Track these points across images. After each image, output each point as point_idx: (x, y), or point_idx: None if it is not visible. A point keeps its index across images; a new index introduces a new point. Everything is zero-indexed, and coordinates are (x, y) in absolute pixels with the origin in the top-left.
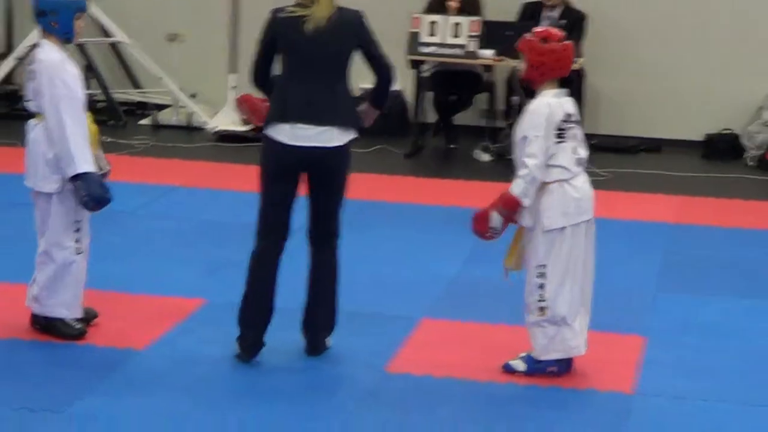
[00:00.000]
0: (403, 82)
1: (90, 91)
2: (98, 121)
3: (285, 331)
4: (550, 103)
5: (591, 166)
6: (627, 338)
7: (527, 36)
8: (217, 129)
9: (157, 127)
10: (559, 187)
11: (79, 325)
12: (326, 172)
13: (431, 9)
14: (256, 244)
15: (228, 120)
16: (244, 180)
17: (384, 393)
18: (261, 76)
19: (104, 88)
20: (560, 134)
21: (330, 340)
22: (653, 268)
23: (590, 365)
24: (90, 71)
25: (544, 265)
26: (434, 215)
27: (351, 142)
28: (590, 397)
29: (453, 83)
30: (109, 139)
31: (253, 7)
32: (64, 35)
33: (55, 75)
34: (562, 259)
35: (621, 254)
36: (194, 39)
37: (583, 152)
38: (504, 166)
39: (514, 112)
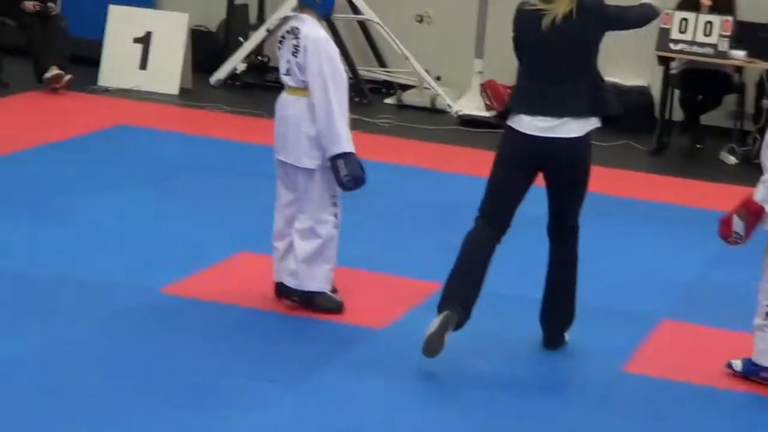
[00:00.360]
0: (651, 78)
1: None
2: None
3: (528, 321)
4: None
5: None
6: None
7: None
8: (460, 113)
9: (401, 106)
10: None
11: (339, 299)
12: (564, 164)
13: (683, 6)
14: (473, 226)
15: (472, 105)
16: (485, 165)
17: (618, 393)
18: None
19: (351, 65)
20: None
21: (568, 335)
22: None
23: None
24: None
25: None
26: (676, 215)
27: (591, 132)
28: None
29: (702, 82)
30: (353, 116)
31: None
32: (324, 11)
33: (324, 52)
34: None
35: None
36: (442, 21)
37: None
38: (750, 170)
39: (763, 116)
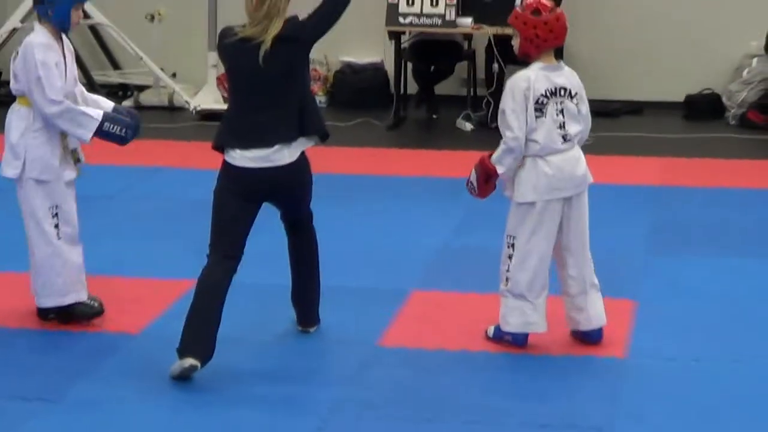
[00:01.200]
0: (383, 54)
1: None
2: None
3: (276, 306)
4: (530, 77)
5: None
6: (618, 302)
7: (518, 10)
8: (198, 108)
9: (139, 108)
10: (531, 162)
11: (97, 304)
12: (285, 190)
13: None
14: (206, 263)
15: (210, 98)
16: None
17: (375, 368)
18: None
19: (85, 71)
20: (539, 108)
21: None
22: (641, 231)
23: None
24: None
25: (513, 237)
26: (419, 186)
27: (303, 152)
28: (585, 362)
29: (433, 53)
30: None
31: None
32: (59, 24)
33: (33, 57)
34: (527, 233)
35: (608, 218)
36: (173, 18)
37: (574, 128)
38: (487, 135)
39: (494, 80)
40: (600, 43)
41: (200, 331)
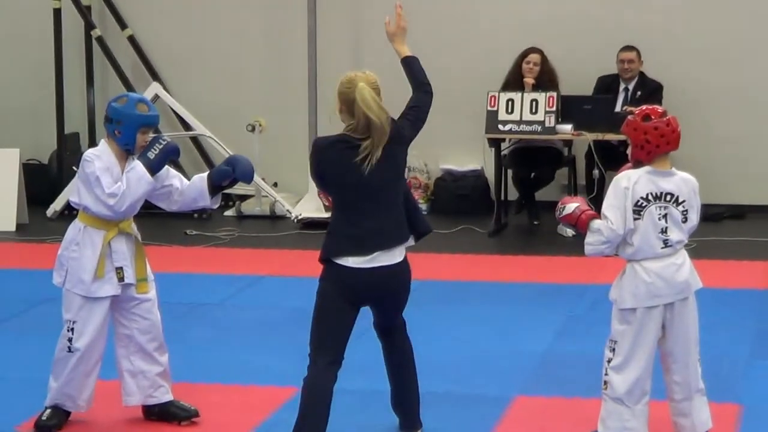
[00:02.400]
0: (483, 161)
1: None
2: (183, 215)
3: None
4: (631, 177)
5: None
6: (723, 407)
7: (629, 117)
8: (300, 217)
9: (242, 217)
10: (631, 268)
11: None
12: (392, 290)
13: (508, 86)
14: (311, 370)
15: (311, 207)
16: None
17: None
18: None
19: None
20: (637, 211)
21: (422, 419)
22: (746, 335)
23: None
24: (173, 164)
25: (615, 341)
26: (522, 292)
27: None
28: None
29: (533, 159)
30: (195, 232)
31: (331, 93)
32: (124, 145)
33: (83, 163)
34: (629, 339)
35: (712, 322)
36: (273, 128)
37: (677, 234)
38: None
39: (595, 185)
40: (701, 147)
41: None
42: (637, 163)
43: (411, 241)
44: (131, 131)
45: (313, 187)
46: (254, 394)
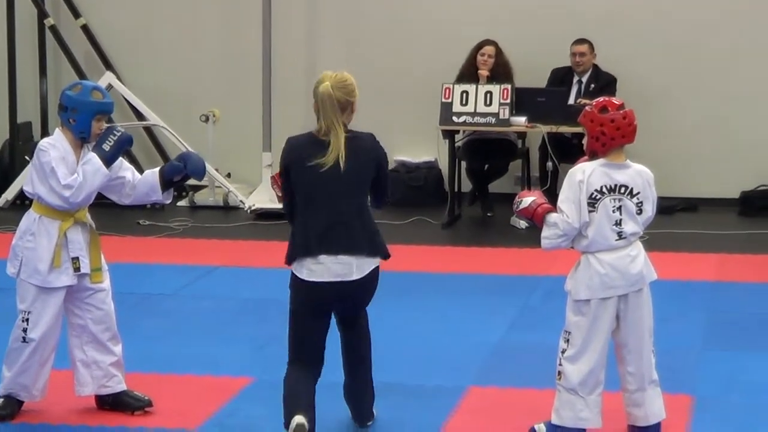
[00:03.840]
0: (437, 153)
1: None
2: (136, 205)
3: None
4: (585, 170)
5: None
6: (675, 398)
7: (587, 108)
8: (253, 207)
9: (195, 207)
10: (585, 260)
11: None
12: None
13: (462, 78)
14: (288, 370)
15: (264, 198)
16: (283, 257)
17: None
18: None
19: (141, 171)
20: (591, 203)
21: (375, 411)
22: (697, 327)
23: None
24: (125, 155)
25: (569, 332)
26: (475, 283)
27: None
28: None
29: (487, 151)
30: (147, 222)
31: (285, 85)
32: (79, 134)
33: (40, 156)
34: (583, 330)
35: (664, 314)
36: (227, 119)
37: (632, 227)
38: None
39: (548, 178)
40: (655, 140)
41: (300, 401)
42: (593, 155)
43: (372, 260)
44: (86, 119)
45: (266, 178)
46: (209, 384)
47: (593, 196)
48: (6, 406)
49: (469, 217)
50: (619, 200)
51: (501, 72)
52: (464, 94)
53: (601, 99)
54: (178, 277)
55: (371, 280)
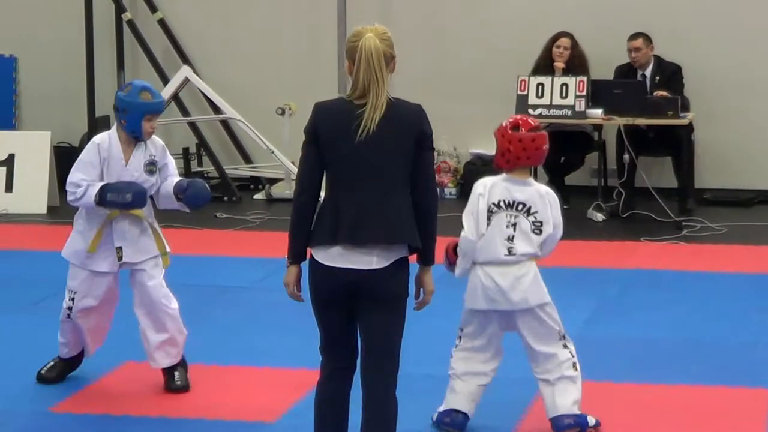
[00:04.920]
0: None
1: (203, 169)
2: (213, 198)
3: None
4: (487, 184)
5: (703, 220)
6: (754, 392)
7: (502, 123)
8: None
9: (271, 200)
10: (473, 270)
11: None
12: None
13: (538, 70)
14: (320, 376)
15: None
16: None
17: None
18: None
19: (217, 165)
20: (488, 216)
21: None
22: None
23: (719, 420)
24: (203, 148)
25: (461, 329)
26: (551, 277)
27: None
28: None
29: (563, 144)
30: (224, 216)
31: None
32: (131, 133)
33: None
34: (467, 334)
35: (743, 307)
36: (304, 110)
37: (523, 246)
38: (618, 225)
39: (625, 170)
40: (733, 132)
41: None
42: (497, 168)
43: (402, 250)
44: (136, 119)
45: None
46: (286, 377)
47: (490, 209)
48: (53, 368)
49: None
50: (515, 217)
51: (577, 64)
52: (540, 87)
53: (518, 116)
54: (255, 269)
55: (394, 272)
